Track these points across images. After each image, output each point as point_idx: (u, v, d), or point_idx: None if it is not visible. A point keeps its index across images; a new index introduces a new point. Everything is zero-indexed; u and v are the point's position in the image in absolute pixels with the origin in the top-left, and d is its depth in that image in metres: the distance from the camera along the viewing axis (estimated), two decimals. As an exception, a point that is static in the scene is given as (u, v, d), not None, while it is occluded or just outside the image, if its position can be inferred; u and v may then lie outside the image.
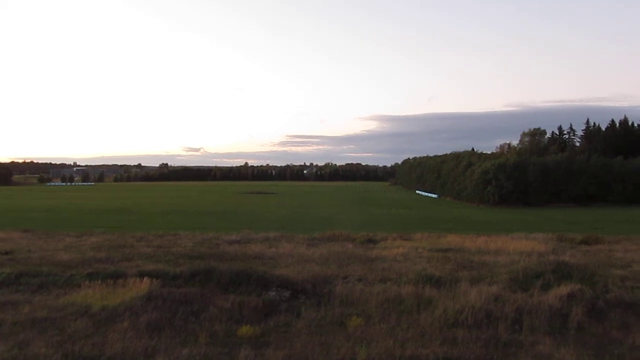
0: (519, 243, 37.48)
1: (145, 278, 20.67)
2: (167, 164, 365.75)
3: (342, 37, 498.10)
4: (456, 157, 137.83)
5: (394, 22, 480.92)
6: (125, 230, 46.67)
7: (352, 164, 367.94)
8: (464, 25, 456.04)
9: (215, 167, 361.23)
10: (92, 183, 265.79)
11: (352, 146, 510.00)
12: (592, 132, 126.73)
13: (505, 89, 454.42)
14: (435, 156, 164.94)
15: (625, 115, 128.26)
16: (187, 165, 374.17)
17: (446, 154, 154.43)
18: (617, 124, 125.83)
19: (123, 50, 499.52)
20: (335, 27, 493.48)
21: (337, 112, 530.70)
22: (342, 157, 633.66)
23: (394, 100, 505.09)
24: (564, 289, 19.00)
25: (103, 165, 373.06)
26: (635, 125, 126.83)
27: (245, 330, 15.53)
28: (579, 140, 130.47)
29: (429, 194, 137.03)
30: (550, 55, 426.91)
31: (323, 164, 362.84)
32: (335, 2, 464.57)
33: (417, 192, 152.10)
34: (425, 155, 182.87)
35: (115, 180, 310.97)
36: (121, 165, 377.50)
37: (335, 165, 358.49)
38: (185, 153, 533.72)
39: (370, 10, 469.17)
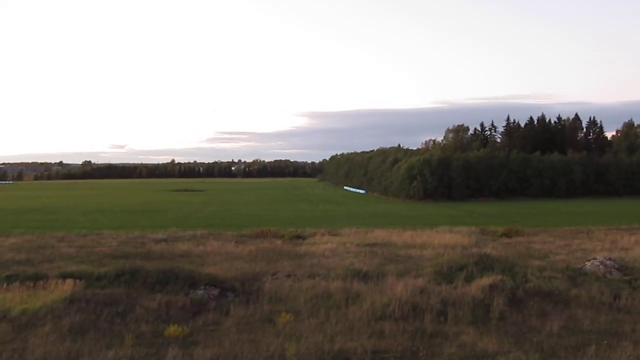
0: (444, 236, 38.47)
1: (67, 279, 20.02)
2: (90, 162, 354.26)
3: (272, 33, 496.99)
4: (383, 153, 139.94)
5: (325, 19, 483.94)
6: (46, 230, 45.05)
7: (280, 160, 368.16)
8: (393, 23, 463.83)
9: (141, 164, 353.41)
10: (11, 182, 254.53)
11: (280, 143, 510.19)
12: (512, 129, 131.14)
13: (432, 86, 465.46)
14: (363, 152, 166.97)
15: (542, 113, 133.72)
16: (111, 162, 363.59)
17: (373, 150, 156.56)
18: (535, 121, 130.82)
19: (42, 44, 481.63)
20: (264, 24, 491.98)
21: (266, 109, 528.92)
22: (271, 153, 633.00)
23: (323, 97, 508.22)
24: (486, 280, 19.68)
25: (22, 163, 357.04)
26: (552, 122, 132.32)
27: (172, 330, 15.31)
28: (499, 136, 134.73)
29: (357, 190, 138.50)
30: (475, 54, 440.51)
31: (251, 161, 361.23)
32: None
33: (345, 188, 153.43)
34: (353, 151, 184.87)
35: (36, 178, 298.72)
36: (41, 163, 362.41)
37: (264, 161, 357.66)
38: (109, 150, 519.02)
39: (298, 5, 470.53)
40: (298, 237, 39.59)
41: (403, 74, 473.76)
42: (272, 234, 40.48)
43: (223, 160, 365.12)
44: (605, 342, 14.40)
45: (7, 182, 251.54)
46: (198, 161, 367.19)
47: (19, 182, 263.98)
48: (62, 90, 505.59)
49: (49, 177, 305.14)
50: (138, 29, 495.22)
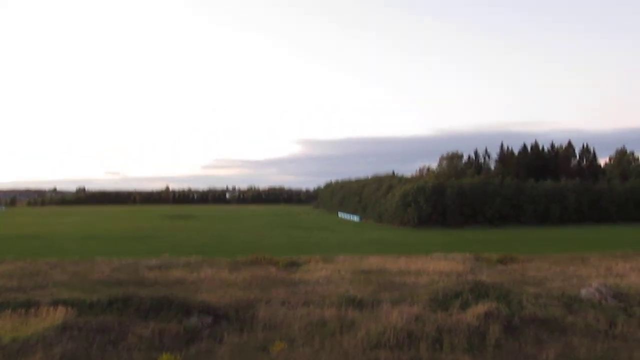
0: (438, 263, 38.45)
1: (59, 307, 19.84)
2: (84, 188, 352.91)
3: (267, 60, 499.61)
4: (377, 180, 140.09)
5: (320, 48, 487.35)
6: (38, 257, 44.74)
7: (274, 187, 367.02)
8: (388, 52, 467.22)
9: (135, 190, 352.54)
10: (4, 207, 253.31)
11: (275, 169, 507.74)
12: (506, 156, 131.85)
13: (425, 113, 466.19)
14: (358, 180, 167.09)
15: (535, 140, 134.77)
16: (105, 189, 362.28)
17: (368, 178, 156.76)
18: (529, 148, 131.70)
19: (36, 71, 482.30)
20: (258, 51, 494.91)
21: (261, 136, 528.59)
22: (265, 180, 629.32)
23: (317, 124, 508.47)
24: (482, 308, 19.62)
25: (16, 189, 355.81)
26: (545, 149, 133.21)
27: (165, 358, 15.19)
28: (493, 163, 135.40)
29: (351, 217, 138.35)
30: (468, 82, 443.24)
31: (246, 188, 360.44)
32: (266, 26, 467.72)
33: (340, 215, 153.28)
34: (348, 178, 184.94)
35: (29, 204, 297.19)
36: (35, 190, 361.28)
37: (258, 188, 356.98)
38: (104, 177, 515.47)
39: (293, 34, 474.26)
40: (292, 264, 39.48)
41: (397, 102, 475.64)
42: (266, 261, 40.38)
43: (217, 187, 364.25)
44: (602, 370, 14.33)
45: (0, 207, 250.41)
46: (192, 188, 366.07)
47: (12, 207, 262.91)
48: (56, 116, 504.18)
49: (43, 203, 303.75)
50: (133, 58, 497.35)
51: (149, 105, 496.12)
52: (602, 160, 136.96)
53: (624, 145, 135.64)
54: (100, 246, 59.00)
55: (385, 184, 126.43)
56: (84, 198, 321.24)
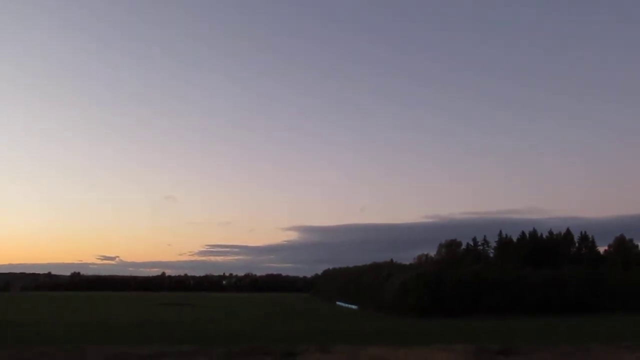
0: (439, 355, 37.34)
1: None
2: (79, 273, 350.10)
3: (272, 147, 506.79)
4: (376, 268, 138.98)
5: (315, 134, 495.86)
6: (26, 344, 43.39)
7: (272, 274, 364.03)
8: (387, 141, 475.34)
9: (131, 276, 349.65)
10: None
11: (272, 256, 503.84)
12: (504, 244, 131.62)
13: (423, 200, 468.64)
14: (356, 267, 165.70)
15: (534, 228, 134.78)
16: (101, 274, 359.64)
17: (366, 265, 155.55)
18: (527, 236, 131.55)
19: (31, 159, 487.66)
20: (258, 139, 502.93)
21: (260, 222, 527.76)
22: (263, 267, 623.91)
23: (314, 211, 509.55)
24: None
25: (10, 273, 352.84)
26: (544, 237, 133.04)
27: None
28: (492, 251, 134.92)
29: (349, 306, 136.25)
30: (464, 169, 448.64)
31: (243, 275, 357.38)
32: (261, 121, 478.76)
33: (338, 303, 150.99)
34: (346, 266, 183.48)
35: (23, 289, 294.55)
36: (30, 274, 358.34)
37: (255, 275, 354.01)
38: (99, 262, 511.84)
39: (292, 121, 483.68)
40: (288, 354, 38.39)
41: (393, 189, 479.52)
42: (262, 350, 39.24)
43: (214, 274, 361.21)
44: None
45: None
46: (189, 274, 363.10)
47: (5, 292, 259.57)
48: (51, 200, 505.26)
49: (37, 288, 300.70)
50: (142, 138, 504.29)
51: (147, 190, 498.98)
52: (602, 248, 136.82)
53: (622, 233, 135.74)
54: (91, 333, 57.55)
55: (384, 272, 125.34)
56: (79, 283, 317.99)
